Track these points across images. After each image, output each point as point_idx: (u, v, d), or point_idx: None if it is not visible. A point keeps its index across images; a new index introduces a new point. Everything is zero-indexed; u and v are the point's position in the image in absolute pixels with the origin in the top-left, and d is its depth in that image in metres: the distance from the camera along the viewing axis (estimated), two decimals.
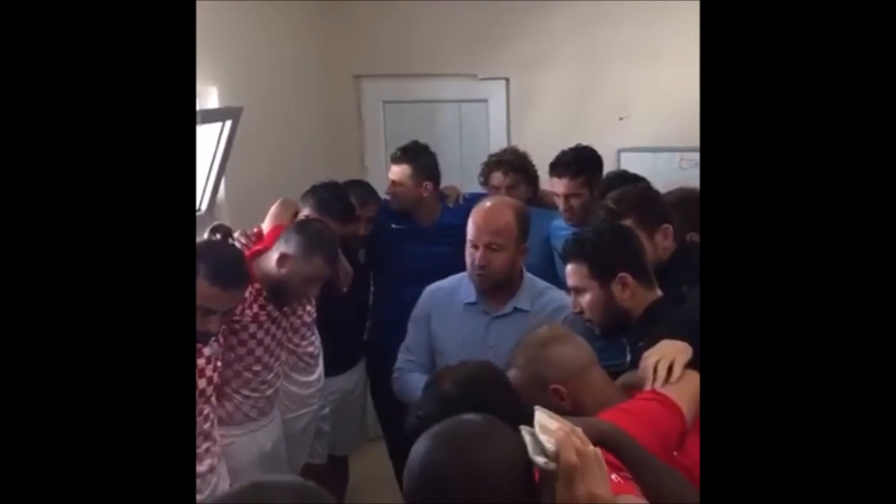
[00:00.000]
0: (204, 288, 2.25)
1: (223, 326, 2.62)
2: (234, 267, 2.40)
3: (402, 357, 2.77)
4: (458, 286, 2.70)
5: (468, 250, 2.60)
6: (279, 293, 2.79)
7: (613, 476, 1.45)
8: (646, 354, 1.87)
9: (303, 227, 2.82)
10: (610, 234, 2.27)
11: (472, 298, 2.65)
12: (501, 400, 1.68)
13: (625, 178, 3.32)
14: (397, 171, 3.58)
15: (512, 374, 1.92)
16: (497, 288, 2.61)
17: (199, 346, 2.43)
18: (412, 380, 2.63)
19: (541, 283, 2.70)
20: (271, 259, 2.74)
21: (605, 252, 2.20)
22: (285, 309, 2.93)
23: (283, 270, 2.72)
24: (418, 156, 3.59)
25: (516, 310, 2.61)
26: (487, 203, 2.68)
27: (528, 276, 2.69)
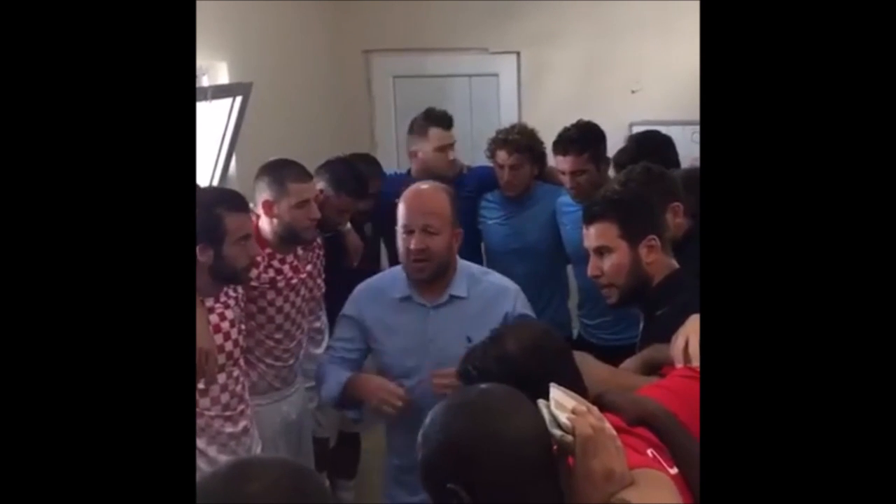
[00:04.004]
0: (232, 220, 2.40)
1: (242, 293, 2.69)
2: (237, 195, 2.58)
3: (334, 346, 2.63)
4: (389, 281, 2.55)
5: (400, 237, 2.43)
6: (294, 234, 2.91)
7: (650, 451, 1.46)
8: (678, 332, 1.86)
9: (328, 168, 3.22)
10: (640, 196, 2.25)
11: (405, 292, 2.48)
12: (560, 369, 1.62)
13: (652, 138, 3.31)
14: (448, 136, 3.57)
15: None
16: (434, 277, 2.44)
17: (222, 309, 2.53)
18: (330, 373, 2.54)
19: (476, 269, 2.56)
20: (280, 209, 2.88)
21: (638, 212, 2.18)
22: (302, 276, 2.99)
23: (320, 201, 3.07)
24: None
25: (452, 297, 2.44)
26: (421, 186, 2.52)
27: (462, 262, 2.52)
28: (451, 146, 3.59)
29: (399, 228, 2.42)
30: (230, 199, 2.46)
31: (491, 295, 2.45)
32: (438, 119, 3.57)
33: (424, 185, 2.53)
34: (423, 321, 2.45)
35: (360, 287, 2.62)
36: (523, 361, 1.64)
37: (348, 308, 2.59)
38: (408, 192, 2.46)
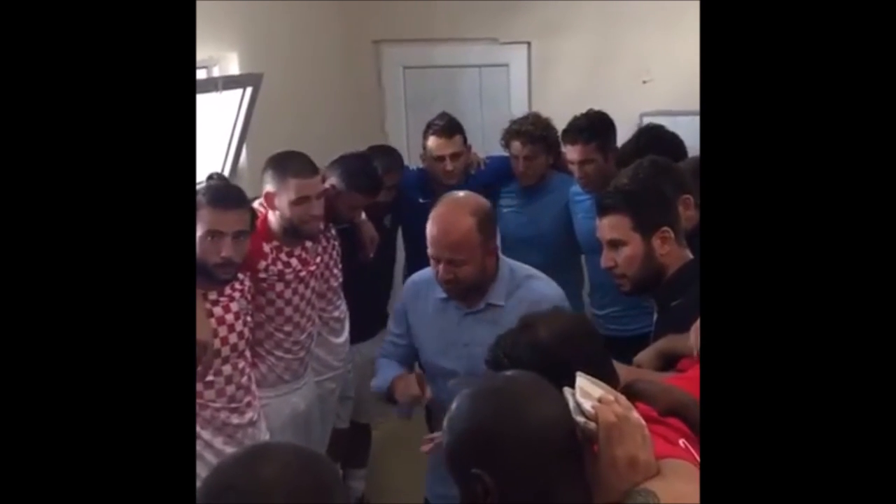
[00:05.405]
0: (206, 213, 2.39)
1: (250, 285, 2.67)
2: (232, 191, 2.56)
3: (387, 339, 2.70)
4: (434, 279, 2.47)
5: (431, 259, 2.39)
6: (295, 229, 2.87)
7: (681, 441, 1.47)
8: (698, 323, 1.85)
9: (342, 163, 3.16)
10: (652, 187, 2.24)
11: (445, 294, 2.46)
12: (592, 357, 1.62)
13: (657, 134, 3.30)
14: (454, 143, 3.54)
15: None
16: (466, 293, 2.42)
17: (227, 302, 2.51)
18: (381, 367, 2.60)
19: (521, 273, 2.48)
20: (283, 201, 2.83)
21: (651, 204, 2.18)
22: (311, 268, 2.98)
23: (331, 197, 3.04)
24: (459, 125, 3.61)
25: (489, 305, 2.41)
26: (442, 208, 2.39)
27: (505, 266, 2.46)
28: (454, 155, 3.52)
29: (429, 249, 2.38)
30: (210, 197, 2.43)
31: (528, 304, 2.32)
32: (437, 129, 3.56)
33: (444, 208, 2.39)
34: (458, 324, 2.44)
35: (412, 279, 2.65)
36: (555, 349, 1.63)
37: (399, 300, 2.65)
38: (433, 215, 2.37)
